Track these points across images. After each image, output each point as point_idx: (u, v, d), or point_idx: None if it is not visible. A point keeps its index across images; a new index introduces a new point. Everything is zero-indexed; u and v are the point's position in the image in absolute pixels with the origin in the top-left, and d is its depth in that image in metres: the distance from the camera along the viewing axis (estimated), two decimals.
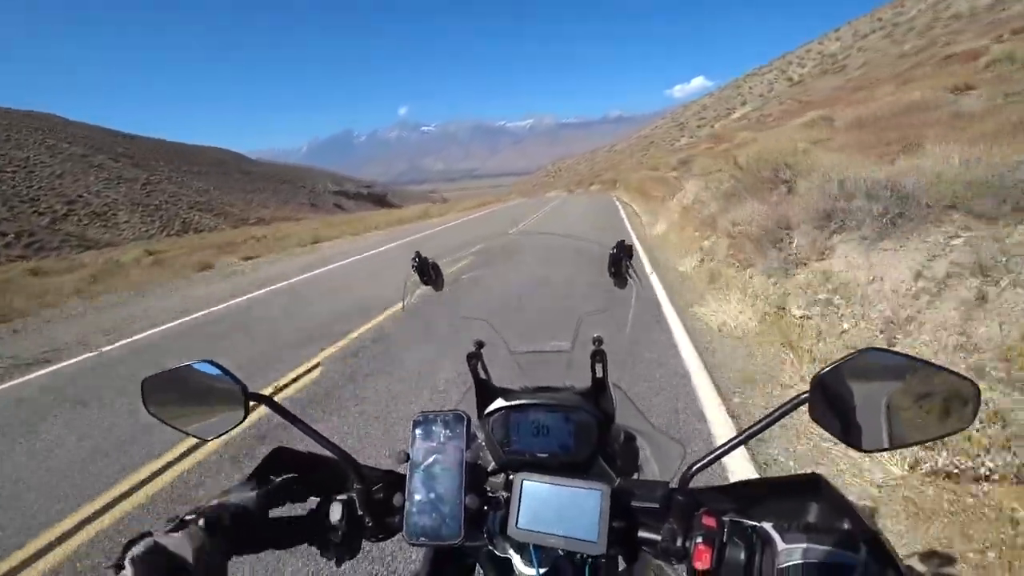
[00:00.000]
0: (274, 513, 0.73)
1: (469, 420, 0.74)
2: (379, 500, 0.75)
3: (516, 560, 0.74)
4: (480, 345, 0.89)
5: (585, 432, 0.81)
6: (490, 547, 0.74)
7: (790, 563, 0.53)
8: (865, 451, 0.57)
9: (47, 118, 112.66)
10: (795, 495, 0.65)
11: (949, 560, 1.91)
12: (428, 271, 0.95)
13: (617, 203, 24.30)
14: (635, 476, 0.93)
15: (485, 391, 0.89)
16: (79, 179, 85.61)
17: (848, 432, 0.57)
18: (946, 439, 2.15)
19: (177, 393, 0.76)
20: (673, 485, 0.70)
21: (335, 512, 0.72)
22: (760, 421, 0.61)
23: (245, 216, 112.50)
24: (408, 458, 0.72)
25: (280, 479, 0.75)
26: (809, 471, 0.67)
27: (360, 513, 0.73)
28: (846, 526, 0.57)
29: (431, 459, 0.71)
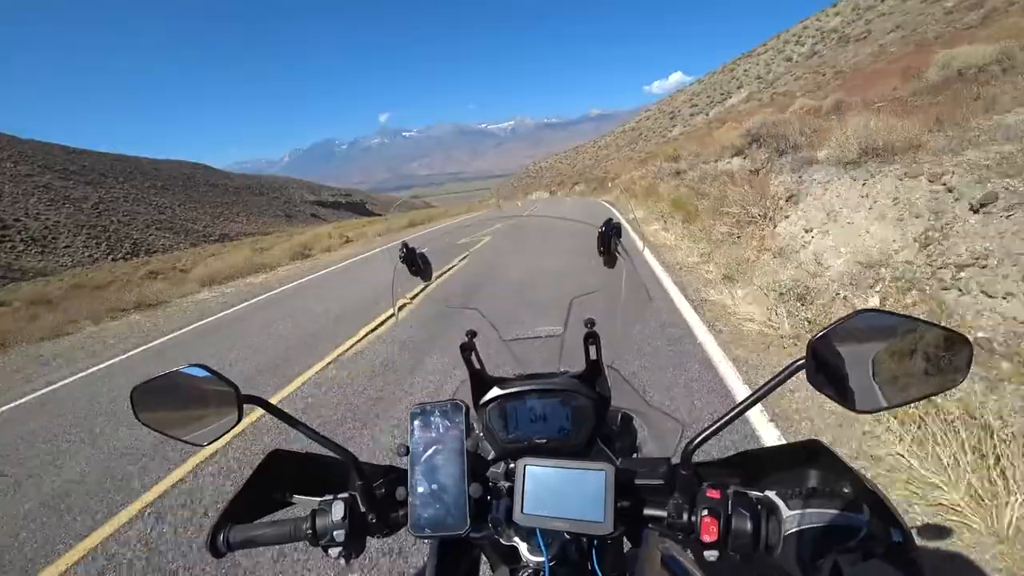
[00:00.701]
0: (275, 516, 0.74)
1: (468, 409, 0.73)
2: (381, 495, 0.74)
3: (523, 548, 0.73)
4: (472, 335, 0.89)
5: (582, 415, 0.80)
6: (496, 536, 0.73)
7: (796, 528, 0.54)
8: (860, 412, 0.56)
9: None
10: (796, 462, 0.66)
11: (946, 527, 1.91)
12: (416, 261, 0.94)
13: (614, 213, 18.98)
14: (635, 456, 0.92)
15: (480, 381, 0.88)
16: (18, 201, 78.26)
17: (845, 395, 0.56)
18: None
19: (168, 399, 0.75)
20: (675, 461, 0.69)
21: (337, 510, 0.71)
22: (757, 390, 0.60)
23: (209, 232, 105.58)
24: (408, 451, 0.71)
25: (280, 483, 0.76)
26: (807, 438, 0.67)
27: (363, 510, 0.73)
28: (847, 489, 0.57)
29: (431, 450, 0.70)
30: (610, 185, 31.76)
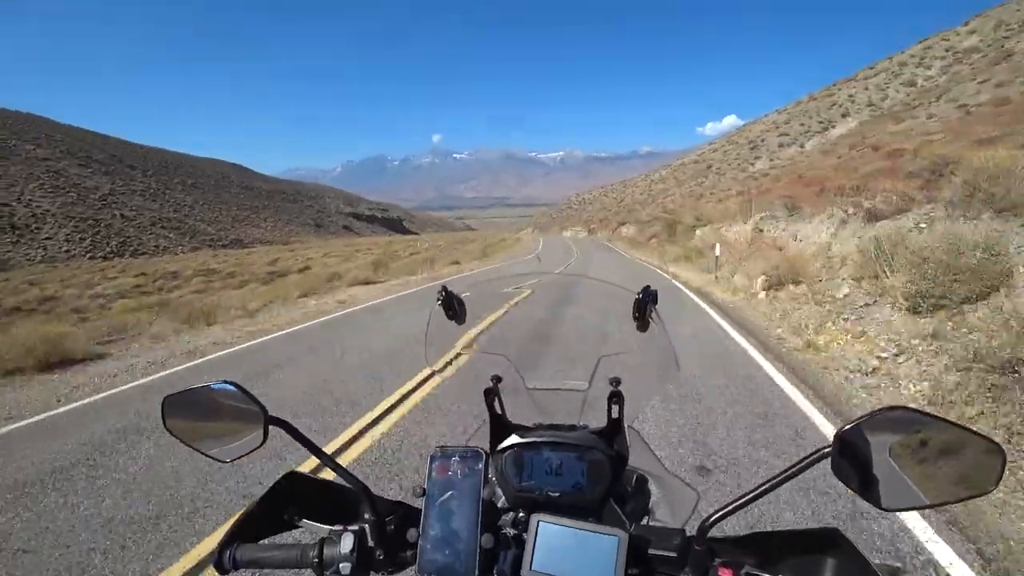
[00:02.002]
0: (283, 538, 0.76)
1: (487, 457, 0.73)
2: (391, 533, 0.73)
3: None
4: (497, 380, 0.91)
5: (598, 472, 0.80)
6: None
7: None
8: (884, 510, 0.55)
9: (25, 118, 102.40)
10: (811, 549, 0.65)
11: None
12: (454, 306, 0.95)
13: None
14: (646, 520, 0.91)
15: (500, 426, 0.89)
16: (16, 184, 72.79)
17: (868, 488, 0.56)
18: None
19: (197, 413, 0.77)
20: (690, 533, 0.68)
21: (346, 543, 0.70)
22: (781, 473, 0.60)
23: (222, 235, 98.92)
24: (424, 492, 0.72)
25: (291, 506, 0.77)
26: (825, 526, 0.66)
27: (371, 545, 0.72)
28: None
29: (447, 495, 0.70)
30: (699, 235, 20.62)
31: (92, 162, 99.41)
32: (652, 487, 0.92)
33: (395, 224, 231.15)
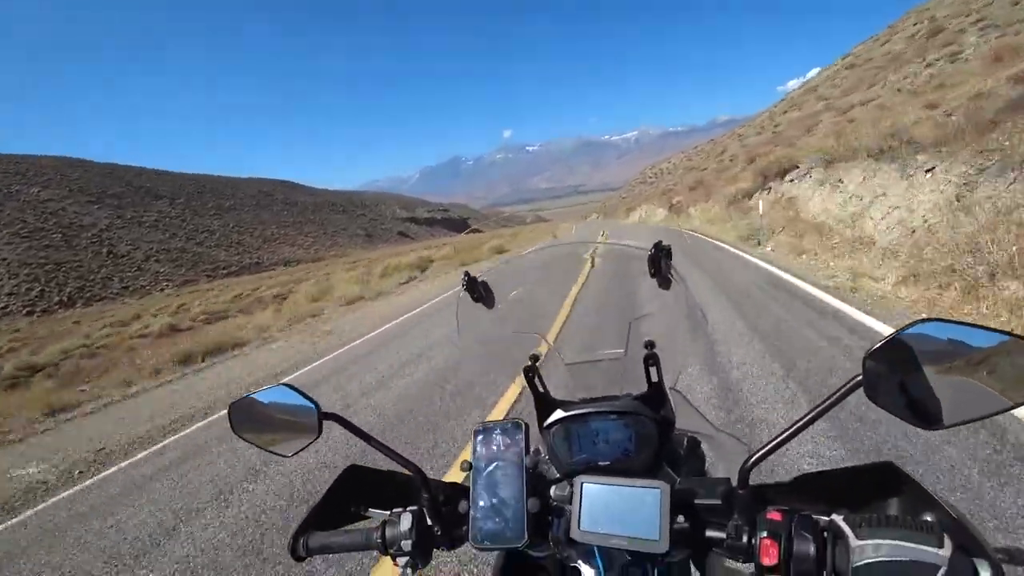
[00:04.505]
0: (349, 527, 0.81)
1: (527, 427, 0.76)
2: (447, 510, 0.77)
3: (584, 569, 0.74)
4: (536, 359, 0.90)
5: (646, 438, 0.80)
6: (558, 556, 0.75)
7: (866, 560, 0.50)
8: (929, 428, 0.52)
9: (46, 161, 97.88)
10: (866, 486, 0.62)
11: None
12: (479, 290, 0.96)
13: None
14: None
15: (544, 404, 0.89)
16: None
17: (907, 410, 0.53)
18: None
19: (259, 415, 0.84)
20: (735, 482, 0.67)
21: (405, 522, 0.75)
22: (813, 409, 0.57)
23: (234, 262, 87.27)
24: (471, 467, 0.75)
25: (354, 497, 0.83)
26: (880, 461, 0.61)
27: (429, 523, 0.76)
28: (927, 517, 0.52)
29: (492, 466, 0.73)
30: None
31: (107, 197, 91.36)
32: (705, 448, 0.89)
33: (458, 224, 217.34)
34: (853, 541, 0.51)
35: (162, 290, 63.18)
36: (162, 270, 70.63)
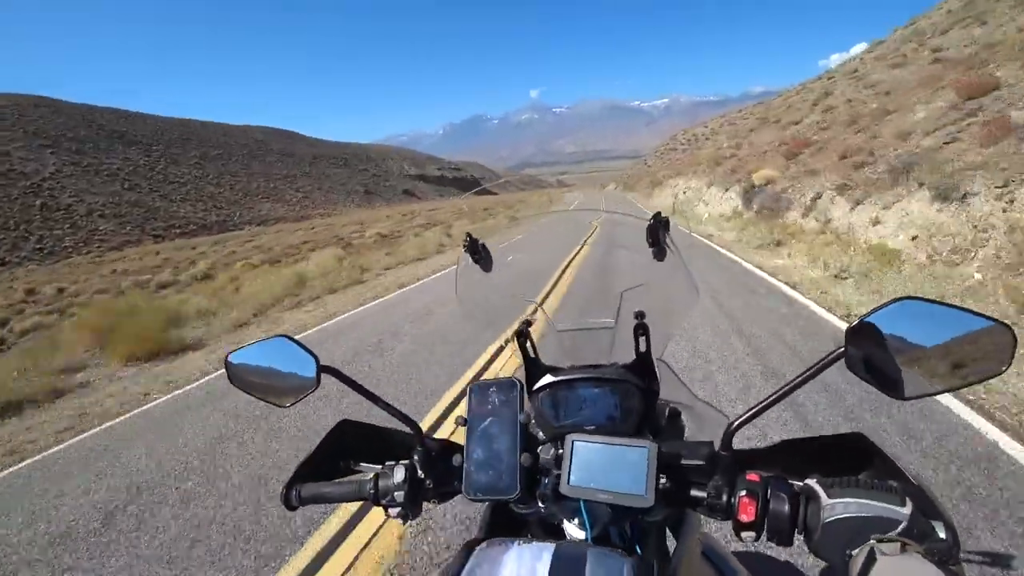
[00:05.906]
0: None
1: (522, 385, 0.79)
2: (439, 463, 0.79)
3: (568, 525, 0.76)
4: (528, 324, 0.91)
5: (630, 405, 0.82)
6: (543, 512, 0.77)
7: (836, 516, 0.54)
8: (905, 399, 0.56)
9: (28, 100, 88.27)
10: (838, 454, 0.66)
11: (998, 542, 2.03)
12: (479, 251, 0.98)
13: None
14: None
15: (534, 368, 0.90)
16: None
17: (885, 382, 0.57)
18: None
19: (257, 365, 0.85)
20: (718, 446, 0.71)
21: (398, 474, 0.77)
22: (796, 378, 0.61)
23: (196, 220, 78.88)
24: (466, 423, 0.78)
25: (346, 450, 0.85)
26: (850, 431, 0.66)
27: (421, 476, 0.78)
28: (891, 483, 0.57)
29: (487, 421, 0.76)
30: None
31: (65, 140, 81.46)
32: (685, 419, 0.94)
33: (469, 184, 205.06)
34: (825, 500, 0.56)
35: (91, 251, 54.09)
36: (103, 227, 61.52)
